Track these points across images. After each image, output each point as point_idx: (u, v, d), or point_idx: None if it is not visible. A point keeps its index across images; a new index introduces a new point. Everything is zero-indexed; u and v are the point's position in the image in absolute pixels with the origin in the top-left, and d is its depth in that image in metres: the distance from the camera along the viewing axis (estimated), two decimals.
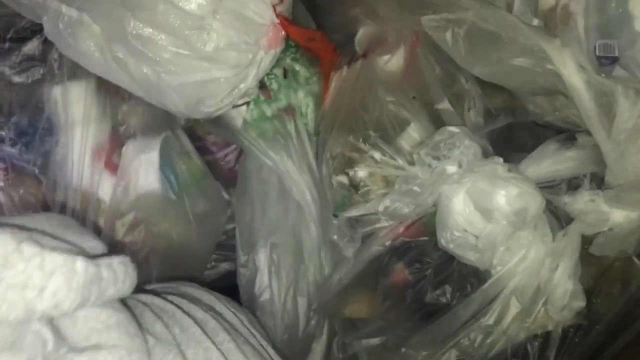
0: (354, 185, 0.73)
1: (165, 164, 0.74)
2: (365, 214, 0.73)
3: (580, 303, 0.71)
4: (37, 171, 0.70)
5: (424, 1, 0.74)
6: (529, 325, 0.72)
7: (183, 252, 0.79)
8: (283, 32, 0.78)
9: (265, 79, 0.84)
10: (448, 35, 0.71)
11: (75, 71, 0.73)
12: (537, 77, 0.71)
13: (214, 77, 0.71)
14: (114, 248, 0.71)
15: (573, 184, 0.73)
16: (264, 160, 0.82)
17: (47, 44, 0.73)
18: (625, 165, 0.69)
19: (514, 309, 0.70)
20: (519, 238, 0.68)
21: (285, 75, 0.85)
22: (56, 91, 0.72)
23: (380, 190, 0.72)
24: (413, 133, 0.76)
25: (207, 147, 0.91)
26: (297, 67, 0.87)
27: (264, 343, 0.49)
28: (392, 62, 0.79)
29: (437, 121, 0.75)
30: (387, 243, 0.72)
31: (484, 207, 0.66)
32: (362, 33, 0.85)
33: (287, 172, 0.83)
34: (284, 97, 0.85)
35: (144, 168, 0.71)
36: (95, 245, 0.34)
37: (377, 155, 0.73)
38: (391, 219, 0.71)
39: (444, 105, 0.75)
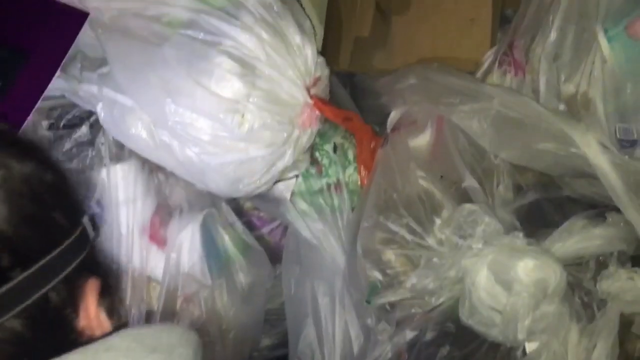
0: (384, 270, 0.75)
1: (208, 242, 0.78)
2: (397, 299, 0.74)
3: None
4: None
5: (451, 89, 0.78)
6: None
7: (234, 325, 0.81)
8: (317, 112, 0.81)
9: (317, 154, 0.88)
10: (474, 123, 0.76)
11: (120, 153, 0.79)
12: (563, 159, 0.73)
13: (251, 156, 0.75)
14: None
15: (601, 262, 0.72)
16: (308, 235, 0.85)
17: (95, 129, 0.80)
18: None
19: None
20: (546, 314, 0.68)
21: (335, 151, 0.89)
22: (103, 173, 0.78)
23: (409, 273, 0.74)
24: (443, 212, 0.78)
25: (252, 222, 0.94)
26: (347, 144, 0.91)
27: None
28: (420, 140, 0.83)
29: (465, 198, 0.77)
30: (420, 327, 0.73)
31: (504, 280, 0.68)
32: (393, 115, 0.89)
33: (329, 248, 0.85)
34: (334, 173, 0.88)
35: (187, 247, 0.76)
36: None
37: (408, 236, 0.75)
38: (419, 296, 0.73)
39: (471, 182, 0.77)
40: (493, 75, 0.88)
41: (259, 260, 0.86)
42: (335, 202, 0.88)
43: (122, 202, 0.75)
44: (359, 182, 0.90)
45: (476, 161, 0.80)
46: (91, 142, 0.80)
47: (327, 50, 0.98)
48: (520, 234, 0.69)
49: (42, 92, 0.74)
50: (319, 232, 0.85)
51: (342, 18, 0.97)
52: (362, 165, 0.89)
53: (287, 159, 0.80)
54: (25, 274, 0.29)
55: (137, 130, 0.75)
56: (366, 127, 0.90)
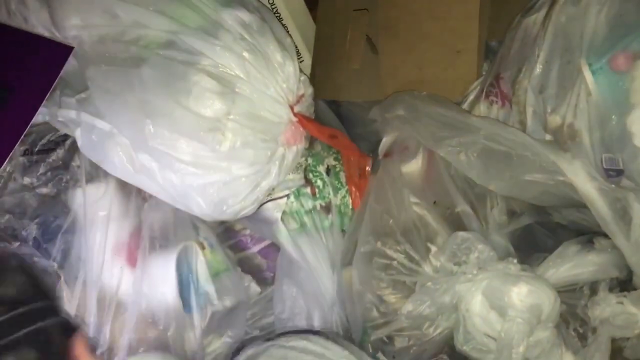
0: (381, 297, 0.75)
1: (182, 275, 0.75)
2: (395, 329, 0.74)
3: None
4: (55, 266, 0.73)
5: (438, 122, 0.80)
6: None
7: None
8: (302, 129, 0.81)
9: (311, 176, 0.88)
10: (462, 157, 0.77)
11: (95, 175, 0.78)
12: (551, 189, 0.75)
13: (234, 175, 0.74)
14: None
15: (594, 288, 0.74)
16: (299, 257, 0.84)
17: (70, 153, 0.79)
18: None
19: None
20: (541, 340, 0.69)
21: (328, 173, 0.89)
22: (78, 195, 0.77)
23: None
24: (438, 239, 0.79)
25: (243, 242, 0.93)
26: (339, 167, 0.91)
27: None
28: (412, 166, 0.84)
29: (459, 223, 0.78)
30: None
31: (498, 306, 0.68)
32: (385, 140, 0.90)
33: (320, 271, 0.84)
34: (327, 195, 0.88)
35: (160, 279, 0.73)
36: None
37: (406, 262, 0.76)
38: (416, 324, 0.73)
39: (464, 207, 0.78)
40: (480, 106, 0.90)
41: (237, 283, 0.84)
42: (326, 223, 0.87)
43: (96, 222, 0.74)
44: (350, 205, 0.90)
45: (469, 186, 0.81)
46: (66, 166, 0.80)
47: (316, 80, 0.99)
48: (514, 260, 0.70)
49: (27, 124, 0.74)
50: (310, 253, 0.84)
51: (333, 49, 0.99)
52: (352, 186, 0.90)
53: (273, 178, 0.79)
54: None
55: (116, 155, 0.73)
56: (352, 145, 0.91)
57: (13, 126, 0.73)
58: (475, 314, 0.70)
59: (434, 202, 0.82)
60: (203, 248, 0.79)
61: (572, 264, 0.71)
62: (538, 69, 0.76)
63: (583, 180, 0.72)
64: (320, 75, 1.01)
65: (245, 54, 0.73)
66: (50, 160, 0.80)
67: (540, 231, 0.80)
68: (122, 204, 0.78)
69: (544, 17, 0.75)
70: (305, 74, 0.86)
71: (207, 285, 0.77)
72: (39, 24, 0.78)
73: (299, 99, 0.82)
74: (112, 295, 0.73)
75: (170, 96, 0.70)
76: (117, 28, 0.74)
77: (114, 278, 0.74)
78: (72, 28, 0.76)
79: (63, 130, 0.80)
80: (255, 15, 0.76)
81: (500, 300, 0.69)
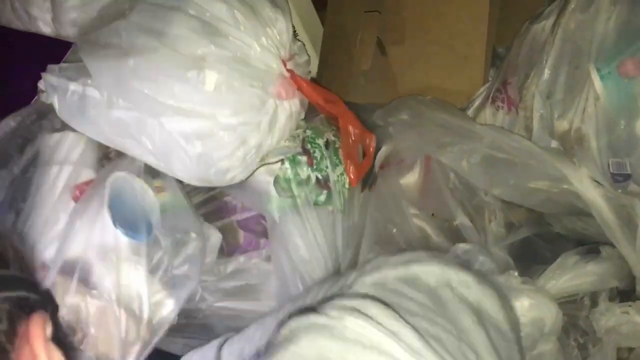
0: None
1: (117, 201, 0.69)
2: None
3: None
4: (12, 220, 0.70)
5: (441, 127, 0.80)
6: None
7: None
8: (294, 85, 0.77)
9: (309, 146, 0.83)
10: (464, 164, 0.77)
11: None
12: (555, 196, 0.74)
13: (219, 123, 0.69)
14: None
15: (594, 298, 0.73)
16: (290, 229, 0.78)
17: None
18: None
19: None
20: (544, 353, 0.68)
21: (327, 147, 0.85)
22: (54, 138, 0.75)
23: None
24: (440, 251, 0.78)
25: (223, 209, 0.85)
26: (338, 143, 0.86)
27: None
28: (409, 178, 0.84)
29: (458, 236, 0.78)
30: None
31: None
32: (382, 151, 0.89)
33: (313, 245, 0.78)
34: (324, 168, 0.83)
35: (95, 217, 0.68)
36: None
37: None
38: None
39: (462, 220, 0.77)
40: (486, 112, 0.90)
41: (192, 221, 0.76)
42: (322, 198, 0.82)
43: (56, 162, 0.71)
44: (347, 184, 0.84)
45: (467, 199, 0.81)
46: (44, 115, 0.79)
47: (323, 81, 1.00)
48: (515, 273, 0.69)
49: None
50: (302, 227, 0.78)
51: (341, 50, 0.99)
52: (347, 160, 0.84)
53: (262, 134, 0.73)
54: None
55: (92, 115, 0.71)
56: (350, 113, 0.85)
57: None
58: None
59: (432, 215, 0.81)
60: (160, 191, 0.74)
61: (571, 275, 0.71)
62: (546, 74, 0.76)
63: (588, 188, 0.72)
64: (327, 76, 1.01)
65: (234, 3, 0.71)
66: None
67: (539, 243, 0.79)
68: (90, 156, 0.75)
69: (553, 24, 0.76)
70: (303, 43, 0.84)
71: (155, 218, 0.71)
72: (40, 16, 0.79)
73: (291, 57, 0.78)
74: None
75: (154, 37, 0.68)
76: None
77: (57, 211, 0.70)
78: (71, 10, 0.76)
79: (44, 100, 0.79)
80: None
81: None
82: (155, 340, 0.68)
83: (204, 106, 0.68)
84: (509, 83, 0.84)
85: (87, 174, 0.74)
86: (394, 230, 0.78)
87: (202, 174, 0.72)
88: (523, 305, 0.67)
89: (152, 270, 0.69)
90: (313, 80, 0.87)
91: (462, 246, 0.73)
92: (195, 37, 0.68)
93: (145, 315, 0.66)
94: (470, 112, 0.93)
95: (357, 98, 1.00)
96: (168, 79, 0.68)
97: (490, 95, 0.89)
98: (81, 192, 0.72)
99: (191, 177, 0.73)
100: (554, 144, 0.79)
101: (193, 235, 0.73)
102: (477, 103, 0.93)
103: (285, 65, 0.75)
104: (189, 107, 0.68)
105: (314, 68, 1.02)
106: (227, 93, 0.69)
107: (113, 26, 0.71)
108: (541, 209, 0.81)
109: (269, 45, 0.73)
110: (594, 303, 0.73)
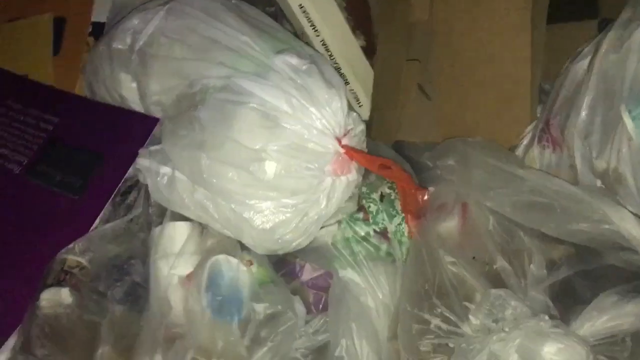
0: None
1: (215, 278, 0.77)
2: None
3: None
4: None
5: (487, 173, 0.80)
6: None
7: None
8: (351, 161, 0.82)
9: (364, 202, 0.88)
10: (507, 208, 0.76)
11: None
12: (597, 237, 0.72)
13: (281, 203, 0.78)
14: None
15: (636, 339, 0.69)
16: (352, 283, 0.82)
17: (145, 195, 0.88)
18: None
19: None
20: None
21: (382, 200, 0.89)
22: (156, 231, 0.84)
23: None
24: (477, 296, 0.78)
25: (292, 271, 0.90)
26: (394, 195, 0.90)
27: None
28: (449, 223, 0.83)
29: (498, 279, 0.77)
30: None
31: None
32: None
33: (375, 299, 0.82)
34: (381, 221, 0.88)
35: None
36: None
37: (443, 325, 0.74)
38: None
39: (502, 263, 0.77)
40: (534, 150, 0.90)
41: (283, 294, 0.81)
42: (383, 248, 0.87)
43: (168, 255, 0.80)
44: (407, 234, 0.88)
45: (506, 242, 0.80)
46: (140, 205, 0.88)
47: (374, 124, 1.04)
48: (546, 317, 0.67)
49: (116, 187, 0.89)
50: (364, 280, 0.83)
51: (388, 96, 1.04)
52: (408, 215, 0.88)
53: (322, 207, 0.81)
54: None
55: (180, 197, 0.82)
56: (406, 176, 0.89)
57: (103, 188, 0.89)
58: None
59: (473, 258, 0.81)
60: (250, 264, 0.81)
61: (610, 316, 0.67)
62: (583, 114, 0.75)
63: (631, 226, 0.69)
64: (377, 119, 1.05)
65: (292, 91, 0.78)
66: (129, 201, 0.90)
67: (580, 282, 0.76)
68: (195, 242, 0.83)
69: (589, 64, 0.75)
70: (357, 113, 0.88)
71: (248, 294, 0.79)
72: (129, 97, 0.92)
73: (347, 132, 0.84)
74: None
75: (222, 132, 0.78)
76: (187, 84, 0.84)
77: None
78: (154, 94, 0.88)
79: (142, 180, 0.89)
80: (304, 60, 0.82)
81: (534, 359, 0.66)
82: None
83: (267, 191, 0.78)
84: (552, 124, 0.83)
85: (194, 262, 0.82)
86: (426, 285, 0.77)
87: (269, 245, 0.82)
88: (551, 349, 0.65)
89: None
90: (365, 122, 0.93)
91: (493, 291, 0.72)
92: (256, 131, 0.78)
93: None
94: (519, 151, 0.93)
95: (406, 137, 1.03)
96: (234, 169, 0.78)
97: (536, 135, 0.88)
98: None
99: (259, 247, 0.83)
100: (599, 183, 0.77)
101: (287, 311, 0.79)
102: (525, 142, 0.92)
103: (340, 142, 0.81)
104: (253, 192, 0.79)
105: (366, 111, 1.07)
106: (286, 177, 0.78)
107: (188, 118, 0.81)
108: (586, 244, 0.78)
109: (324, 127, 0.79)
110: (637, 343, 0.69)
